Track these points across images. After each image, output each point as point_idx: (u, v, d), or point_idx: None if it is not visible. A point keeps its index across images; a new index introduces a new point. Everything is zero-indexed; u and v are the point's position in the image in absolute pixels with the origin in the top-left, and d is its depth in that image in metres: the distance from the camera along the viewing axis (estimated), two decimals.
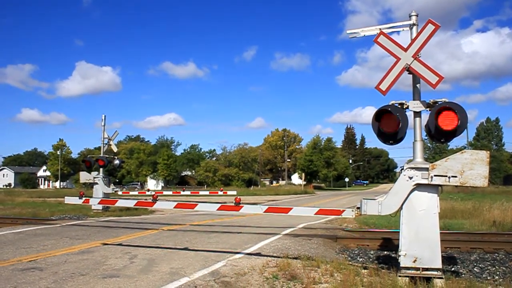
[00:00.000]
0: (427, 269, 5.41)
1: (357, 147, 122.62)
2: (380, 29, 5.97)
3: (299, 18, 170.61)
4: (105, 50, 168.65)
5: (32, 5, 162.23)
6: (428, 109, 5.69)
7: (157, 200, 7.20)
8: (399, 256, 5.53)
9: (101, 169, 18.67)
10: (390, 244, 9.14)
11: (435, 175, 5.41)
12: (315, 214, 6.46)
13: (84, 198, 7.89)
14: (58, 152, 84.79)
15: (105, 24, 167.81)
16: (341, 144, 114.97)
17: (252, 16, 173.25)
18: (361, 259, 8.10)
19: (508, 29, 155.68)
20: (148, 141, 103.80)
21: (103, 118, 19.59)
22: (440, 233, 5.53)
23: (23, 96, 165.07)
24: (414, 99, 5.78)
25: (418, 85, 5.79)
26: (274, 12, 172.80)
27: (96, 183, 18.27)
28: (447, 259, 7.80)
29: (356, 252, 8.75)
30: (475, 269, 7.34)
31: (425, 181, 5.45)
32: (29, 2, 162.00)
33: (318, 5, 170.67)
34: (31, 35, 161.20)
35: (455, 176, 5.35)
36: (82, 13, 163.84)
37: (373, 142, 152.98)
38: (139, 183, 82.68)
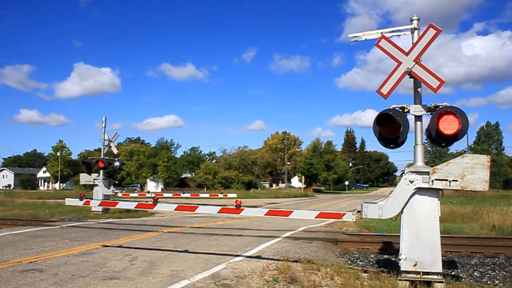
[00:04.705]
0: (427, 273, 5.41)
1: (357, 150, 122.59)
2: (381, 33, 5.99)
3: (298, 20, 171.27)
4: (103, 51, 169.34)
5: (30, 6, 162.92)
6: (429, 113, 5.70)
7: (158, 202, 7.19)
8: (400, 259, 5.53)
9: (101, 171, 18.68)
10: (390, 247, 9.13)
11: (436, 179, 5.42)
12: (316, 217, 6.46)
13: (84, 200, 7.89)
14: (58, 154, 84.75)
15: (103, 24, 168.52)
16: (341, 147, 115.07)
17: (251, 17, 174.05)
18: (361, 263, 8.09)
19: (510, 31, 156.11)
20: (148, 143, 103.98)
21: (103, 120, 19.61)
22: (440, 237, 5.53)
23: (22, 97, 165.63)
24: (415, 103, 5.80)
25: (419, 89, 5.81)
26: (273, 13, 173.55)
27: (96, 185, 18.28)
28: (448, 263, 7.80)
29: (356, 255, 8.74)
30: (475, 273, 7.33)
31: (426, 185, 5.46)
32: (27, 3, 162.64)
33: (317, 7, 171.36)
34: (29, 35, 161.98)
35: (456, 180, 5.36)
36: (80, 13, 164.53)
37: (373, 145, 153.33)
38: (139, 185, 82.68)
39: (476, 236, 10.69)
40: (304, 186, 65.48)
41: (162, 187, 79.67)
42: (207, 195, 30.06)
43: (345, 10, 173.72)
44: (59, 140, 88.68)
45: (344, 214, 6.18)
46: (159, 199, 7.40)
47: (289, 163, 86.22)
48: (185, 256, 7.46)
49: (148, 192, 28.78)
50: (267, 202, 34.77)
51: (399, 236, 5.65)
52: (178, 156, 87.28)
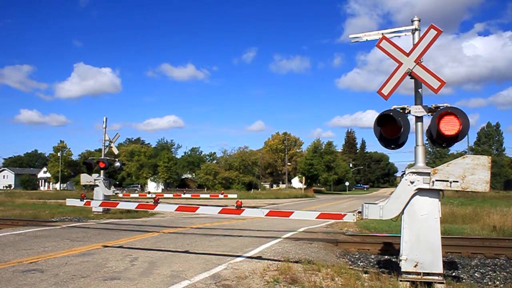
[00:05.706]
0: (428, 274, 5.41)
1: (357, 151, 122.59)
2: (382, 33, 6.00)
3: (299, 20, 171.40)
4: (103, 51, 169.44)
5: (30, 6, 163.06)
6: (429, 114, 5.70)
7: (158, 203, 7.20)
8: (400, 260, 5.53)
9: (101, 171, 18.68)
10: (390, 248, 9.12)
11: (436, 180, 5.41)
12: (316, 218, 6.44)
13: (85, 200, 7.89)
14: (59, 154, 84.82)
15: (103, 24, 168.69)
16: (342, 148, 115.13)
17: (251, 17, 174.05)
18: (361, 263, 8.09)
19: (510, 32, 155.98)
20: (149, 143, 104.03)
21: (104, 120, 19.62)
22: (441, 237, 5.53)
23: (22, 97, 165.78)
24: (416, 104, 5.80)
25: (420, 90, 5.82)
26: (273, 13, 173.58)
27: (97, 185, 18.28)
28: (448, 264, 7.79)
29: (356, 256, 8.74)
30: (476, 274, 7.33)
31: (427, 186, 5.46)
32: (27, 3, 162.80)
33: (317, 8, 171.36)
34: (29, 35, 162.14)
35: (457, 181, 5.36)
36: (80, 13, 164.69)
37: (373, 146, 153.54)
38: (139, 185, 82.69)
39: (477, 237, 10.68)
40: (304, 186, 65.43)
41: (163, 187, 79.72)
42: (207, 196, 29.96)
43: (345, 11, 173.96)
44: (60, 141, 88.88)
45: (344, 215, 6.18)
46: (160, 200, 7.40)
47: (289, 163, 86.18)
48: (185, 257, 7.47)
49: (149, 193, 28.81)
50: (267, 202, 34.76)
51: (400, 236, 5.65)
52: (178, 156, 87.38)
